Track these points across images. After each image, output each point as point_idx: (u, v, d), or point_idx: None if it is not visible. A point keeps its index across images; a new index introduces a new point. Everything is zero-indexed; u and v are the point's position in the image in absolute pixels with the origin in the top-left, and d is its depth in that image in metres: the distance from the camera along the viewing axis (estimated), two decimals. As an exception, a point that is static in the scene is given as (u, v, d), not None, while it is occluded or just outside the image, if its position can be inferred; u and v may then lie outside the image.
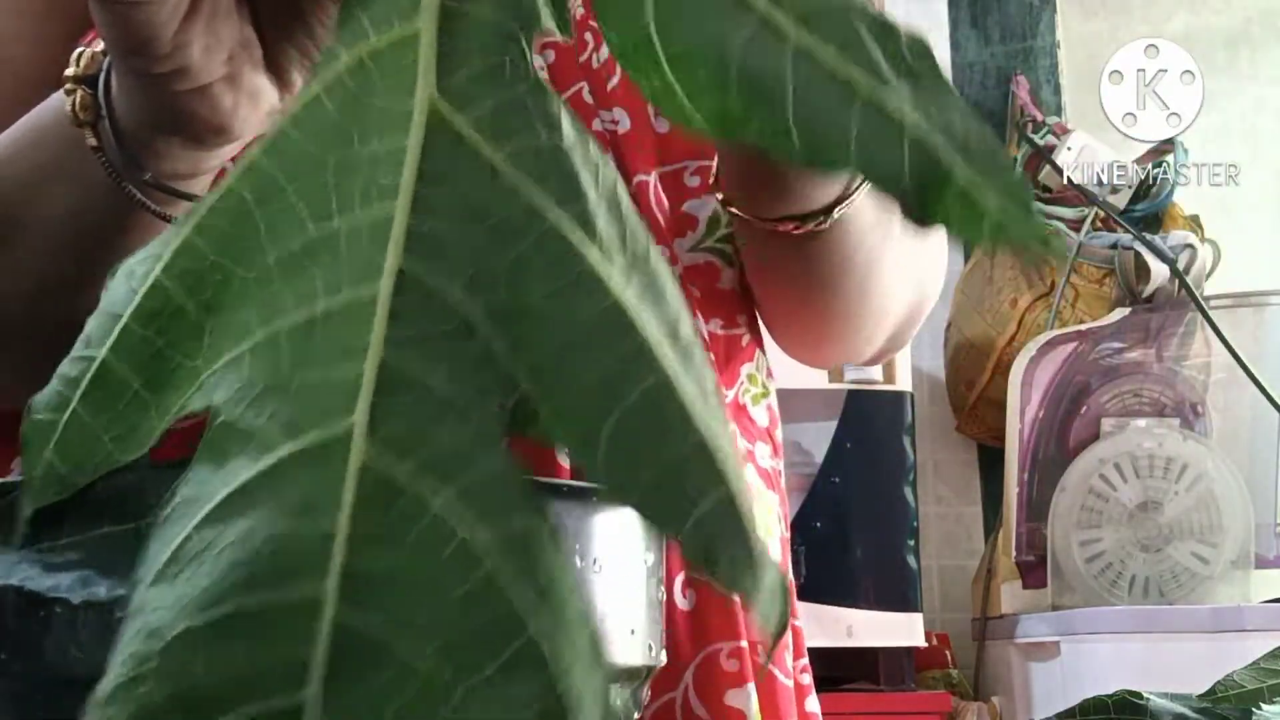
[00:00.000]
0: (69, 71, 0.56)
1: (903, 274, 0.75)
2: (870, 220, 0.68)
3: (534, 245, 0.29)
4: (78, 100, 0.56)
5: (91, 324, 0.33)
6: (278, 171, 0.29)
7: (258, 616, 0.24)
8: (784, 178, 0.63)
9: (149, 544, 0.27)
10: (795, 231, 0.65)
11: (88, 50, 0.56)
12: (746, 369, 0.77)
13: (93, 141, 0.56)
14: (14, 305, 0.65)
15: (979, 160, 0.29)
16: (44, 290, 0.64)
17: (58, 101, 0.58)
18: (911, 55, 0.30)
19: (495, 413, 0.27)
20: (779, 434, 0.79)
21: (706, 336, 0.74)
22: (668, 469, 0.27)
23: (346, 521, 0.25)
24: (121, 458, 0.33)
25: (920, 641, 2.14)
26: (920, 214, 0.29)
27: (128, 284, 0.32)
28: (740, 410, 0.76)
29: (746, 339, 0.77)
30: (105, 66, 0.56)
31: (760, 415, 0.78)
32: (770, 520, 0.75)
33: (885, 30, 0.30)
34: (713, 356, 0.74)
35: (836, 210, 0.65)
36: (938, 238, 0.80)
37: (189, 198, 0.57)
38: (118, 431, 0.33)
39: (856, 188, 0.64)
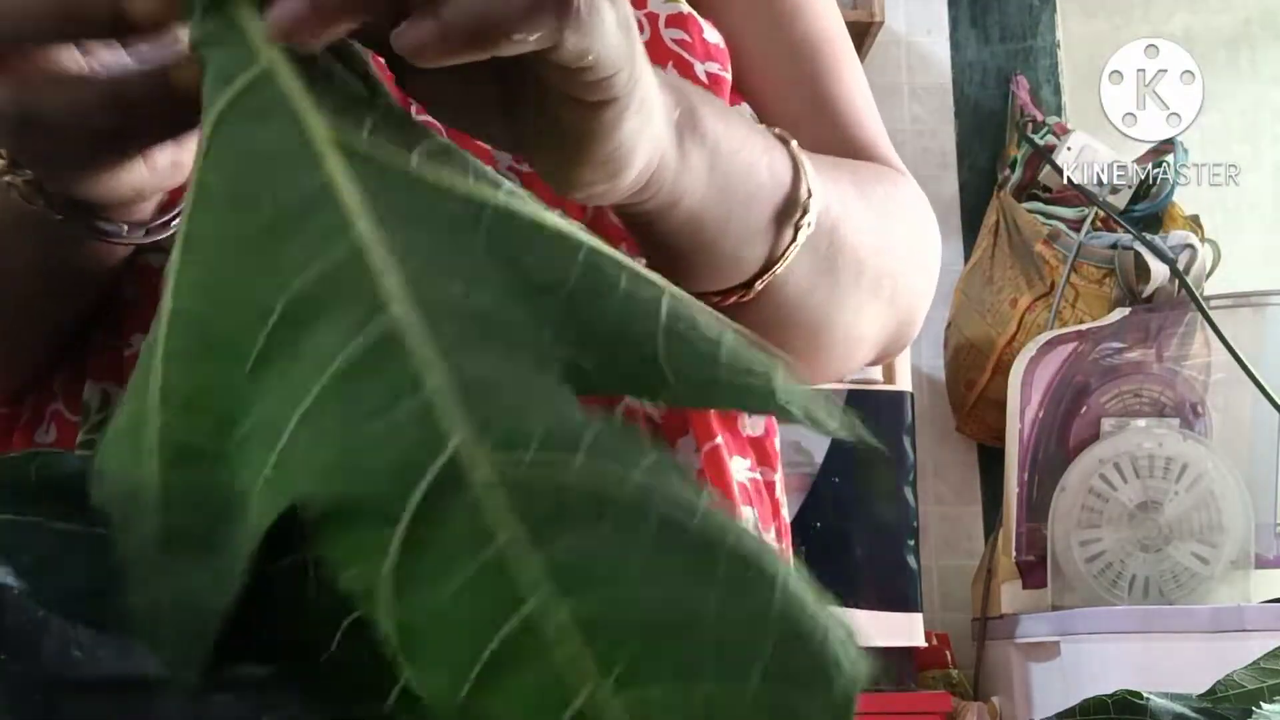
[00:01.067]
0: None
1: (875, 305, 0.73)
2: (813, 273, 0.66)
3: (492, 225, 0.29)
4: (20, 188, 0.55)
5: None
6: (207, 288, 0.29)
7: None
8: (699, 268, 0.62)
9: None
10: (719, 303, 0.63)
11: None
12: None
13: (40, 205, 0.56)
14: None
15: None
16: (15, 322, 0.65)
17: None
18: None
19: (558, 383, 0.28)
20: (776, 443, 0.78)
21: None
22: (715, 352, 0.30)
23: (523, 529, 0.25)
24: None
25: (920, 641, 2.14)
26: None
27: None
28: (728, 417, 0.75)
29: None
30: None
31: (755, 424, 0.76)
32: (753, 525, 0.74)
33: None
34: None
35: (758, 283, 0.63)
36: (924, 237, 0.78)
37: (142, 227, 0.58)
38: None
39: (780, 258, 0.62)
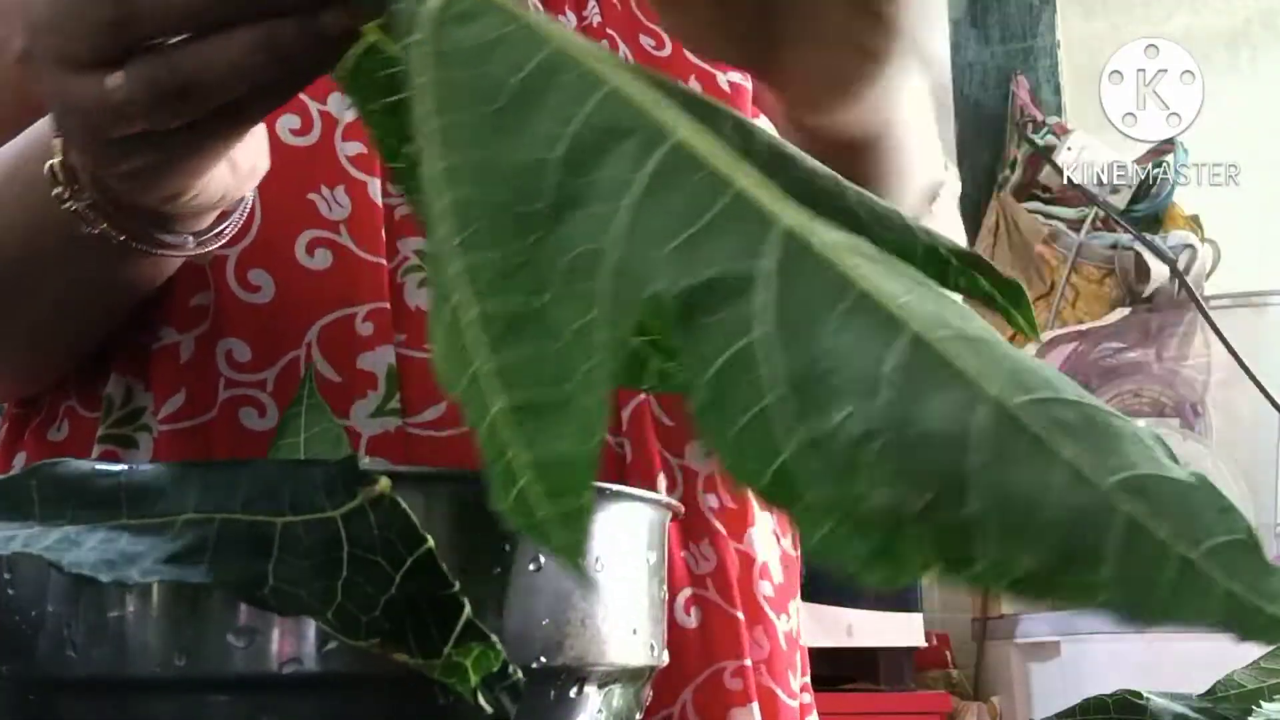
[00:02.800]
0: (57, 191, 0.55)
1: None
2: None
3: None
4: (85, 212, 0.55)
5: None
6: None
7: None
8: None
9: None
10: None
11: (55, 162, 0.55)
12: None
13: (104, 228, 0.56)
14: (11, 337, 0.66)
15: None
16: (41, 320, 0.65)
17: (30, 152, 0.58)
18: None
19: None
20: None
21: None
22: None
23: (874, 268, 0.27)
24: None
25: (920, 641, 2.14)
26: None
27: None
28: None
29: None
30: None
31: None
32: (766, 537, 0.74)
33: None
34: None
35: None
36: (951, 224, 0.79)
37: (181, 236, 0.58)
38: None
39: None
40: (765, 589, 0.71)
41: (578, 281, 0.28)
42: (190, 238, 0.58)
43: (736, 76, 0.75)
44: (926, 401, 0.24)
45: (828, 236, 0.27)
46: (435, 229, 0.31)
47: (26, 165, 0.58)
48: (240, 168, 0.55)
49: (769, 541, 0.73)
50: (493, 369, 0.28)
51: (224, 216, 0.60)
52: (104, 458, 0.67)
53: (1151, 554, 0.25)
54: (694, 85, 0.70)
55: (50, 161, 0.55)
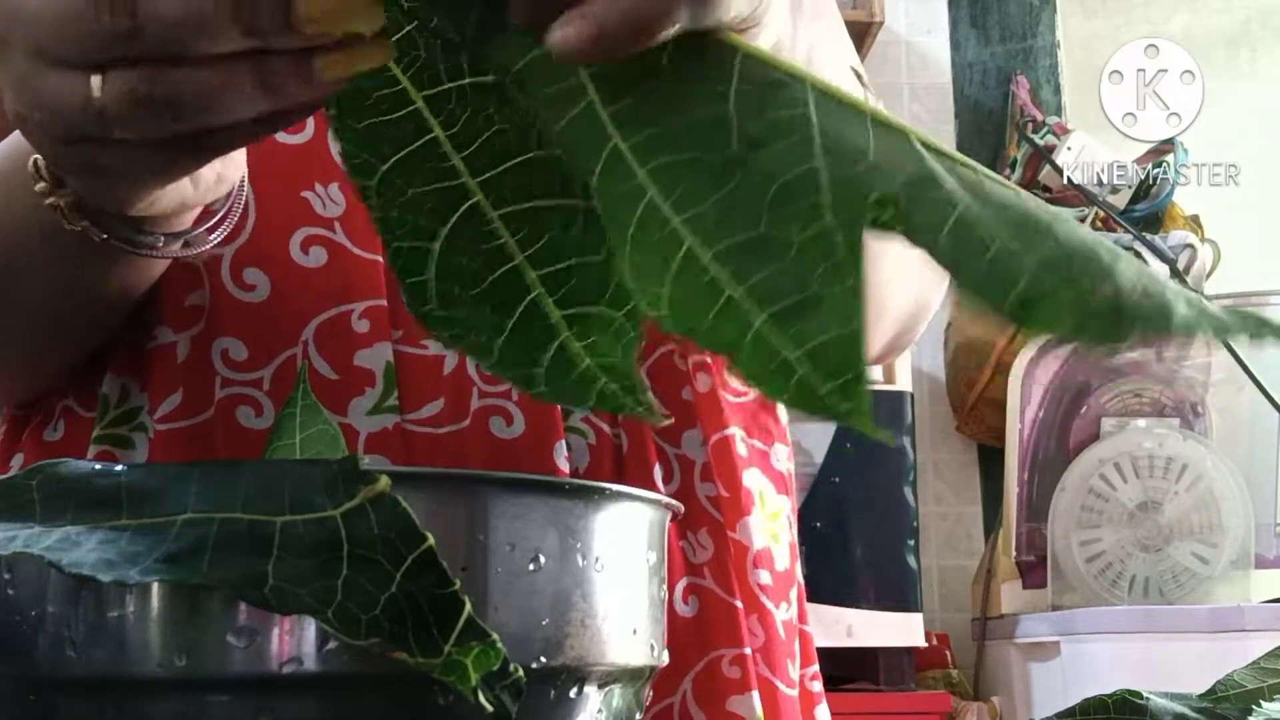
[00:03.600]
0: (40, 186, 0.55)
1: (899, 275, 0.74)
2: None
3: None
4: (65, 207, 0.55)
5: None
6: None
7: None
8: None
9: None
10: None
11: (39, 157, 0.54)
12: None
13: (85, 225, 0.55)
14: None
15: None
16: (35, 326, 0.65)
17: (15, 151, 0.58)
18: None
19: None
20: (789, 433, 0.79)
21: None
22: None
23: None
24: None
25: (920, 641, 2.14)
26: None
27: None
28: (766, 407, 0.76)
29: None
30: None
31: (783, 411, 0.78)
32: (780, 525, 0.74)
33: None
34: None
35: None
36: None
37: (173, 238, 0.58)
38: None
39: None
40: (762, 577, 0.71)
41: (793, 202, 0.34)
42: (163, 238, 0.57)
43: None
44: (1077, 230, 0.33)
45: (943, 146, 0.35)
46: (632, 205, 0.35)
47: (10, 161, 0.58)
48: (203, 179, 0.54)
49: (765, 529, 0.73)
50: (744, 293, 0.33)
51: (207, 217, 0.59)
52: (100, 458, 0.67)
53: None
54: None
55: (34, 156, 0.54)
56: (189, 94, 0.44)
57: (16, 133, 0.59)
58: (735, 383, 0.74)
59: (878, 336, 0.78)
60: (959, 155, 0.36)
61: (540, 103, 0.39)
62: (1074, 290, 0.31)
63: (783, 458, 0.77)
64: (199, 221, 0.59)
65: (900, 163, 0.34)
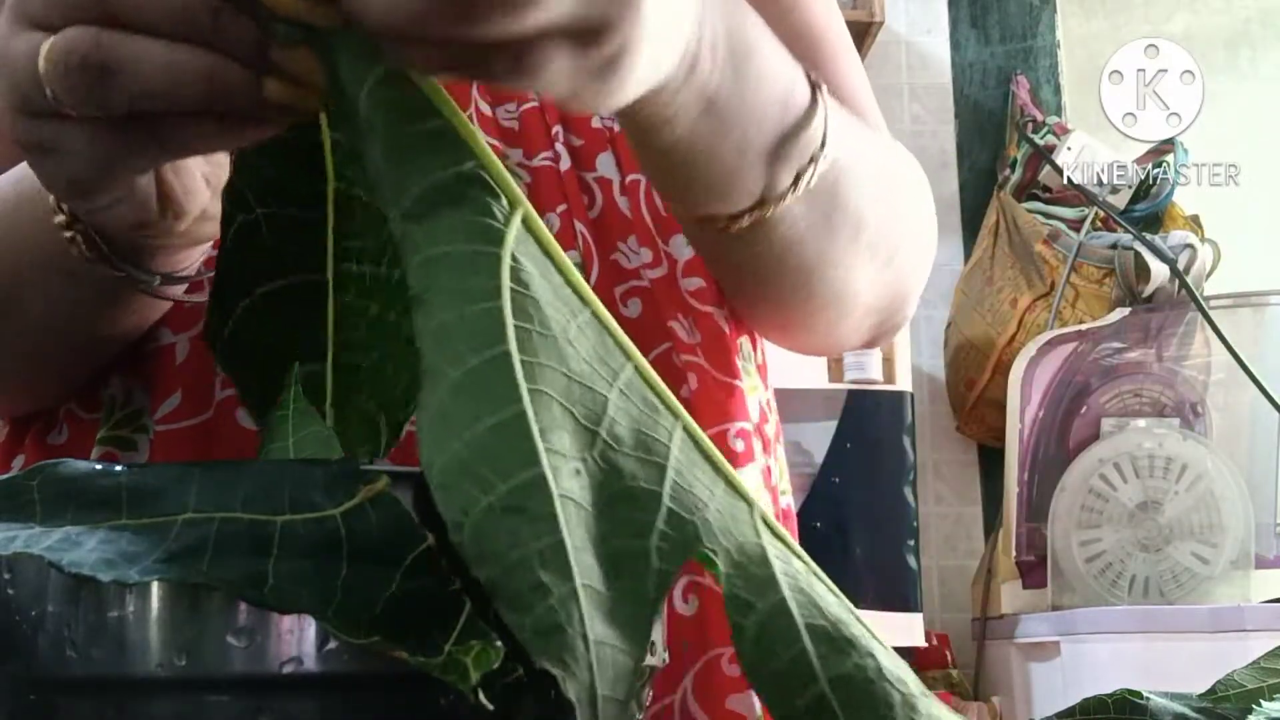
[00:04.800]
0: (59, 219, 0.55)
1: (871, 267, 0.73)
2: (808, 221, 0.65)
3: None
4: (81, 240, 0.55)
5: None
6: None
7: None
8: (689, 190, 0.62)
9: None
10: (721, 229, 0.63)
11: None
12: (741, 361, 0.76)
13: (90, 256, 0.55)
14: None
15: None
16: (32, 360, 0.66)
17: (25, 189, 0.58)
18: None
19: None
20: (769, 429, 0.78)
21: (723, 323, 0.74)
22: None
23: None
24: None
25: (920, 641, 2.14)
26: None
27: None
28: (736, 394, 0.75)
29: (743, 327, 0.77)
30: None
31: (753, 409, 0.76)
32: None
33: None
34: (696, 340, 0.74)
35: (746, 218, 0.63)
36: (925, 216, 0.78)
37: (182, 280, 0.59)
38: None
39: (777, 199, 0.62)
40: None
41: (634, 510, 0.36)
42: (160, 277, 0.58)
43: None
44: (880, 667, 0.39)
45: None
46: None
47: (29, 189, 0.58)
48: (193, 193, 0.53)
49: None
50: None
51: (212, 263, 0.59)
52: (102, 460, 0.67)
53: None
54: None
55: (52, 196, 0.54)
56: (129, 63, 0.43)
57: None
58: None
59: (853, 327, 0.76)
60: (798, 549, 0.40)
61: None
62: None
63: (774, 468, 0.77)
64: (207, 266, 0.60)
65: (732, 529, 0.37)
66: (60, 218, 0.54)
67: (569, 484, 0.35)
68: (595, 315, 0.40)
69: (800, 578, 0.38)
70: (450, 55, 0.40)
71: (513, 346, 0.36)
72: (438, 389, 0.36)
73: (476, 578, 0.34)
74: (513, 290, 0.38)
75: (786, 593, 0.37)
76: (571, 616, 0.34)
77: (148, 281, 0.57)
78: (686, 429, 0.39)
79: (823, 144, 0.61)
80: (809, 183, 0.62)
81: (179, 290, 0.59)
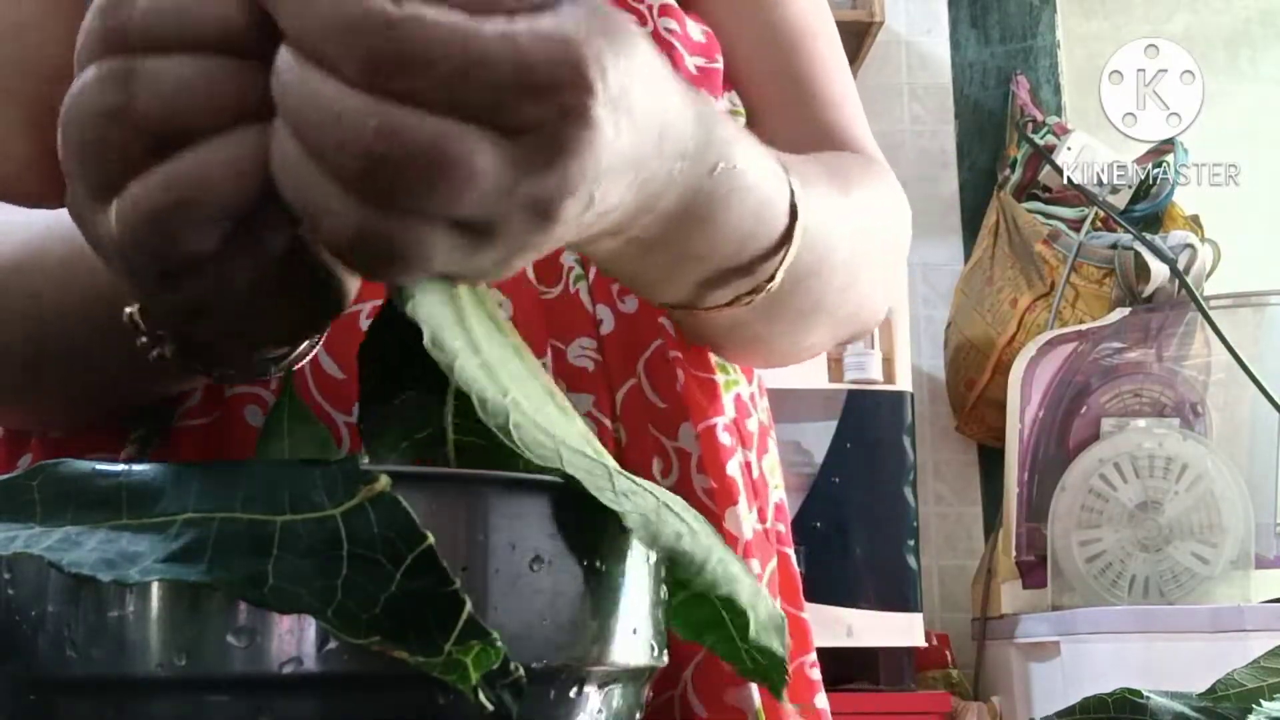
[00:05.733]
0: (142, 341, 0.49)
1: (830, 332, 0.71)
2: (755, 315, 0.62)
3: None
4: (159, 351, 0.49)
5: None
6: None
7: None
8: (608, 271, 0.60)
9: None
10: (658, 309, 0.62)
11: (133, 311, 0.49)
12: (716, 359, 0.75)
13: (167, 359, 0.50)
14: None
15: None
16: (56, 409, 0.64)
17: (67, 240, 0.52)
18: None
19: None
20: (750, 424, 0.77)
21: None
22: None
23: None
24: None
25: (920, 641, 2.14)
26: None
27: None
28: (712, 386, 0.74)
29: None
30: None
31: (729, 405, 0.75)
32: (749, 516, 0.73)
33: None
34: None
35: (677, 310, 0.61)
36: (901, 239, 0.76)
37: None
38: None
39: (713, 308, 0.59)
40: (754, 567, 0.71)
41: None
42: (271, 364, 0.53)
43: (702, 60, 0.75)
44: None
45: None
46: None
47: (81, 257, 0.53)
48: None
49: (752, 521, 0.73)
50: None
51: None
52: (124, 458, 0.67)
53: None
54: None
55: (129, 310, 0.49)
56: (207, 180, 0.38)
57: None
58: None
59: (818, 337, 0.74)
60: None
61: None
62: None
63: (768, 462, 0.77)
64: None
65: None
66: (142, 339, 0.49)
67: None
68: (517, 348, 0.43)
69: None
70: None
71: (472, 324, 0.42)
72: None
73: None
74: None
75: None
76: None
77: (235, 377, 0.53)
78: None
79: (773, 276, 0.58)
80: (749, 302, 0.59)
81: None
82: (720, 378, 0.75)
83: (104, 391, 0.62)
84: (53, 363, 0.59)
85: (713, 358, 0.74)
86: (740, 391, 0.77)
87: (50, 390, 0.62)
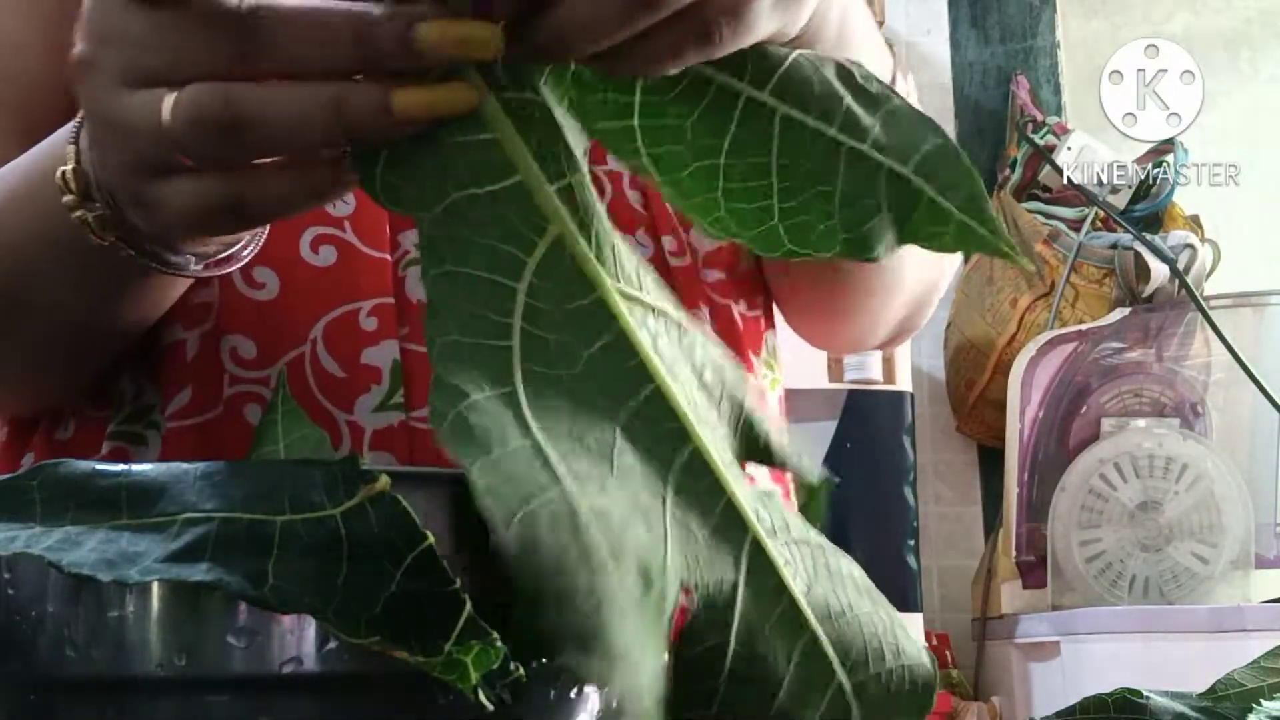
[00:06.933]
0: (68, 199, 0.52)
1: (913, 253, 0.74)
2: None
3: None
4: (93, 222, 0.52)
5: None
6: None
7: None
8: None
9: None
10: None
11: (68, 169, 0.52)
12: (764, 355, 0.77)
13: (111, 239, 0.53)
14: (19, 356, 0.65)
15: (943, 176, 0.40)
16: (38, 354, 0.65)
17: (44, 164, 0.56)
18: (873, 85, 0.42)
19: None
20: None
21: (738, 318, 0.75)
22: None
23: None
24: None
25: (920, 641, 2.14)
26: (898, 236, 0.41)
27: None
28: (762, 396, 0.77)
29: (763, 321, 0.78)
30: (93, 178, 0.52)
31: (773, 403, 0.78)
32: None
33: (846, 73, 0.42)
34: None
35: None
36: None
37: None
38: None
39: None
40: None
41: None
42: (192, 258, 0.55)
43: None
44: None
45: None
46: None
47: (39, 175, 0.56)
48: None
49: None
50: None
51: (231, 242, 0.58)
52: (114, 455, 0.67)
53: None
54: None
55: (62, 168, 0.52)
56: (258, 115, 0.42)
57: (43, 145, 0.58)
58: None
59: (891, 317, 0.78)
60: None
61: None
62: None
63: None
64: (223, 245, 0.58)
65: (716, 561, 0.40)
66: (70, 197, 0.53)
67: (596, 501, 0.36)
68: (623, 331, 0.40)
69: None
70: (671, 41, 0.41)
71: (519, 384, 0.38)
72: (455, 405, 0.36)
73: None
74: (523, 331, 0.39)
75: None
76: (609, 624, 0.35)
77: (179, 265, 0.55)
78: (696, 451, 0.40)
79: None
80: None
81: (198, 267, 0.56)
82: (766, 376, 0.76)
83: (54, 324, 0.62)
84: (4, 292, 0.61)
85: (751, 355, 0.75)
86: (779, 392, 0.79)
87: (5, 330, 0.63)
